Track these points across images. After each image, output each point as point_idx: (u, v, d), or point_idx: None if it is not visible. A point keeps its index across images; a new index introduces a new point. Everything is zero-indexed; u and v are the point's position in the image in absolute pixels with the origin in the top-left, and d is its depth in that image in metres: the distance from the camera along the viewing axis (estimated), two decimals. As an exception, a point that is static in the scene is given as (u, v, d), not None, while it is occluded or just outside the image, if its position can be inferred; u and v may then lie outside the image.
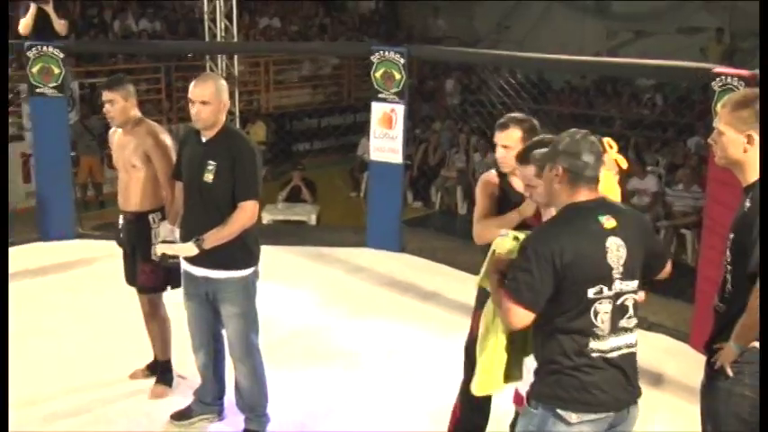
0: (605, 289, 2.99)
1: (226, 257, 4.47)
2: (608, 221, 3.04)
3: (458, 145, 13.53)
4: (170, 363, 5.37)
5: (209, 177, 4.42)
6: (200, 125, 4.45)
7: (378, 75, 7.99)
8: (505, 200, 4.00)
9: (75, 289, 7.14)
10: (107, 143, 5.52)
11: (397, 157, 8.06)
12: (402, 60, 7.88)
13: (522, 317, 2.99)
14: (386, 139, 8.05)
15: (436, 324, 6.50)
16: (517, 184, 3.87)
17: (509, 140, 3.95)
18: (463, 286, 7.06)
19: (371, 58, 8.01)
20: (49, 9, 8.28)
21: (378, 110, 8.09)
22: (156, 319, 5.28)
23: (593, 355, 3.00)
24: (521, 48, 15.00)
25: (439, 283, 7.37)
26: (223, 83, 4.57)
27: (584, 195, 3.07)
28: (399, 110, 7.99)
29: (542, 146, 3.34)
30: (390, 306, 6.88)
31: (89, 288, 7.06)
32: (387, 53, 7.95)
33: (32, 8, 8.29)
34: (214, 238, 4.37)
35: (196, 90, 4.43)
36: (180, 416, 4.99)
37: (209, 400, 4.97)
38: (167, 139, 5.08)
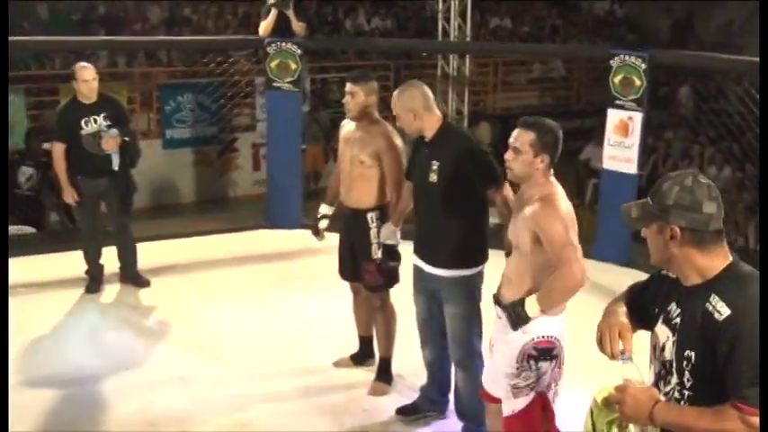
0: None
1: (450, 255, 4.48)
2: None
3: (691, 156, 12.94)
4: (391, 360, 5.40)
5: (433, 178, 4.47)
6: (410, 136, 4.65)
7: (616, 80, 7.71)
8: None
9: (289, 277, 7.37)
10: (334, 135, 5.65)
11: (632, 167, 7.76)
12: (643, 66, 7.56)
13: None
14: (620, 147, 7.76)
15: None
16: None
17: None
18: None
19: (610, 62, 7.74)
20: (290, 12, 8.57)
21: (614, 117, 7.81)
22: (383, 314, 5.33)
23: None
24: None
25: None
26: (412, 93, 4.60)
27: (722, 255, 2.50)
28: (637, 118, 7.68)
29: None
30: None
31: (303, 278, 7.27)
32: (627, 57, 7.65)
33: (274, 11, 8.61)
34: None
35: (393, 102, 4.64)
36: (405, 411, 5.02)
37: (435, 398, 4.96)
38: (400, 143, 5.12)
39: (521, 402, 3.85)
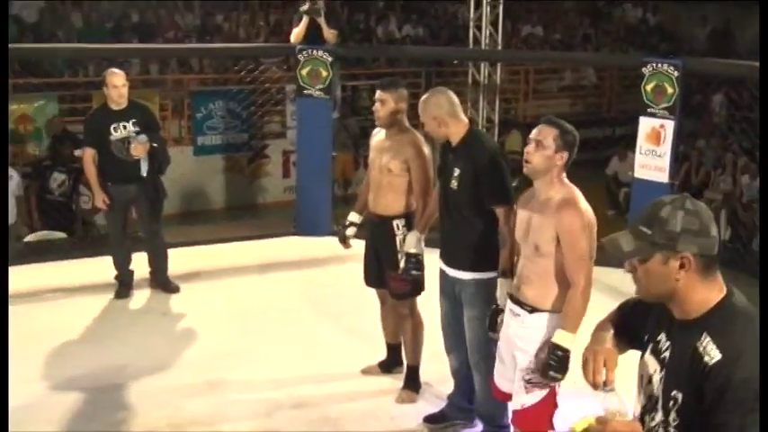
0: None
1: (469, 258, 4.51)
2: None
3: (723, 165, 12.80)
4: (418, 368, 5.38)
5: (454, 184, 4.51)
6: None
7: (648, 88, 7.64)
8: None
9: (319, 284, 7.38)
10: (363, 143, 5.67)
11: (663, 176, 7.67)
12: (676, 74, 7.50)
13: None
14: (652, 156, 7.69)
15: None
16: None
17: None
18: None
19: (643, 70, 7.68)
20: (321, 20, 8.60)
21: (646, 125, 7.74)
22: (410, 322, 5.31)
23: None
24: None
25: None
26: (437, 100, 4.60)
27: (718, 286, 2.31)
28: (669, 126, 7.60)
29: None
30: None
31: (332, 285, 7.27)
32: (660, 65, 7.59)
33: (305, 19, 8.64)
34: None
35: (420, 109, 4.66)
36: (433, 419, 5.00)
37: (462, 405, 4.94)
38: (428, 151, 5.12)
39: (533, 397, 3.93)
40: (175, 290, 7.11)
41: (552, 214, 3.78)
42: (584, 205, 3.81)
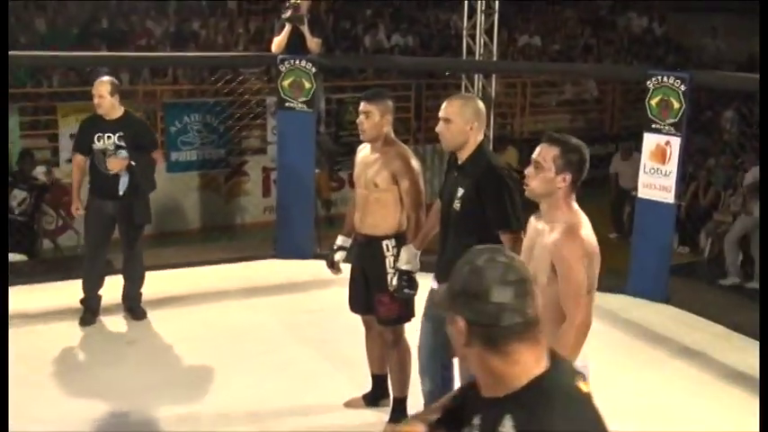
0: None
1: None
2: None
3: (734, 186, 12.87)
4: (406, 400, 5.38)
5: (456, 205, 4.51)
6: (443, 144, 4.64)
7: (653, 102, 7.71)
8: None
9: (301, 310, 7.40)
10: (347, 160, 5.70)
11: (669, 197, 7.73)
12: (683, 87, 7.57)
13: None
14: (657, 175, 7.75)
15: (699, 388, 6.18)
16: None
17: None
18: (729, 345, 6.72)
19: (647, 83, 7.75)
20: (304, 28, 8.64)
21: (650, 142, 7.80)
22: (397, 351, 5.33)
23: None
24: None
25: (705, 342, 7.01)
26: (476, 105, 4.62)
27: (527, 363, 2.07)
28: (675, 143, 7.67)
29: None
30: (650, 362, 6.61)
31: (315, 311, 7.29)
32: (665, 79, 7.66)
33: (287, 27, 8.68)
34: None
35: (443, 106, 4.59)
36: None
37: None
38: (417, 165, 5.16)
39: None
40: (142, 316, 7.10)
41: (550, 242, 3.72)
42: (586, 232, 3.74)
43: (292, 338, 6.82)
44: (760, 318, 2.16)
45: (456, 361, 4.54)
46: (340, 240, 5.48)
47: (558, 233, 3.71)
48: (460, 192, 4.49)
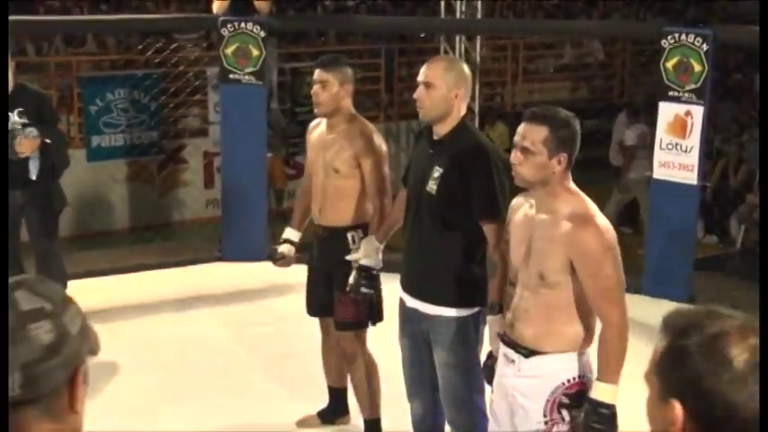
0: None
1: (439, 288, 4.57)
2: None
3: (770, 162, 13.01)
4: (380, 422, 5.47)
5: (431, 187, 4.53)
6: (421, 113, 4.62)
7: (669, 65, 7.79)
8: None
9: (253, 322, 7.46)
10: (302, 141, 5.73)
11: (691, 177, 7.81)
12: (705, 47, 7.65)
13: None
14: (676, 151, 7.82)
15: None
16: None
17: None
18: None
19: (662, 42, 7.84)
20: (251, -15, 8.67)
21: (667, 112, 7.87)
22: (359, 363, 5.40)
23: None
24: None
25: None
26: (462, 69, 4.68)
27: None
28: (697, 113, 7.74)
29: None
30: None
31: (270, 322, 7.37)
32: (684, 36, 7.74)
33: None
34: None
35: (423, 69, 4.60)
36: None
37: None
38: (383, 145, 5.24)
39: None
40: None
41: (563, 235, 3.76)
42: (603, 220, 3.82)
43: (246, 356, 6.87)
44: (760, 318, 2.26)
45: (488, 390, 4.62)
46: (288, 233, 5.58)
47: (571, 225, 3.76)
48: (437, 172, 4.51)
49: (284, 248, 5.57)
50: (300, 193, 5.64)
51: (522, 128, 3.87)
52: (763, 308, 2.26)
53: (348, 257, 5.15)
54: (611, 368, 3.79)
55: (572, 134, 3.85)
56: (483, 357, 4.53)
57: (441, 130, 4.59)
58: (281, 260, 5.59)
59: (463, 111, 4.64)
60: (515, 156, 3.85)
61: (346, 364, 5.47)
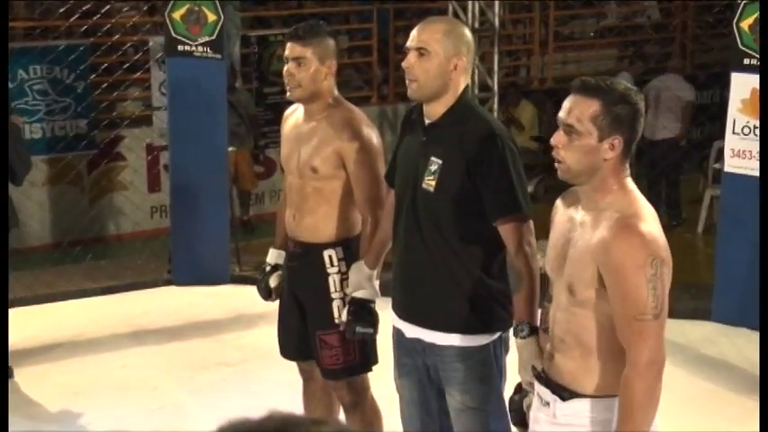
0: None
1: (447, 311, 4.57)
2: None
3: None
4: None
5: (428, 184, 4.54)
6: (411, 89, 4.60)
7: (745, 26, 7.78)
8: None
9: (212, 362, 7.51)
10: (273, 131, 5.72)
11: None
12: (789, -1, 7.68)
13: None
14: (753, 136, 7.79)
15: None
16: None
17: None
18: None
19: (734, -2, 7.87)
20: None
21: (740, 85, 7.85)
22: (360, 415, 5.41)
23: None
24: None
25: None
26: (464, 33, 4.67)
27: None
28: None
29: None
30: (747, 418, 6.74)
31: (234, 363, 7.43)
32: (762, -12, 7.78)
33: None
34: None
35: (415, 32, 4.61)
36: None
37: None
38: (375, 138, 5.21)
39: None
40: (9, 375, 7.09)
41: (596, 241, 3.72)
42: (652, 228, 3.72)
43: (203, 405, 6.88)
44: (760, 317, 2.27)
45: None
46: (272, 256, 5.53)
47: (608, 228, 3.69)
48: (434, 164, 4.51)
49: (273, 280, 5.50)
50: (282, 200, 5.62)
51: (567, 101, 3.81)
52: (764, 308, 2.26)
53: (335, 287, 5.15)
54: (631, 417, 3.69)
55: (631, 113, 3.78)
56: (507, 393, 4.53)
57: (435, 111, 4.58)
58: (272, 296, 5.53)
59: (463, 85, 4.61)
60: (557, 137, 3.79)
61: (343, 412, 5.47)
